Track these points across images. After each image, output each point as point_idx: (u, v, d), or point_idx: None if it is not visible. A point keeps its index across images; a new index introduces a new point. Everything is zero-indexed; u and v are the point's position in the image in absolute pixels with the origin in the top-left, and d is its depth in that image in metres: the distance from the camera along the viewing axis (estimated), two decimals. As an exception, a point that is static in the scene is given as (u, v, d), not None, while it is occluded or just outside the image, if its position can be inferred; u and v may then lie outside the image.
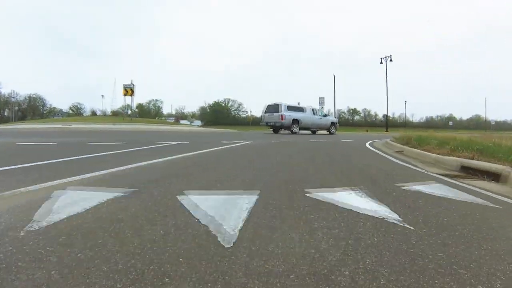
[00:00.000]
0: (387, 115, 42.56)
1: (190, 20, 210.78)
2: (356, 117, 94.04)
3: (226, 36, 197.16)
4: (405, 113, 54.81)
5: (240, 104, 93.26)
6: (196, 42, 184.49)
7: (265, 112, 19.98)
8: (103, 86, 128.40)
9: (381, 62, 38.34)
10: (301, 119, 19.80)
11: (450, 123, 79.78)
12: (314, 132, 21.37)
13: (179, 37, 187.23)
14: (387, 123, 41.25)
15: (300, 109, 20.37)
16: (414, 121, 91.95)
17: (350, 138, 15.29)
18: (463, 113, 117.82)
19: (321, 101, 39.14)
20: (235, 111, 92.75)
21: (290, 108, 19.50)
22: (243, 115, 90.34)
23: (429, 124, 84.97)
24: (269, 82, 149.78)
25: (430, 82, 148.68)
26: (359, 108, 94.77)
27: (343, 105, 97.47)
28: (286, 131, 19.92)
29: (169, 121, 66.31)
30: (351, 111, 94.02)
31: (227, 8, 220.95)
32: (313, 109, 21.54)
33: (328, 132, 22.01)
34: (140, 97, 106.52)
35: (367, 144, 10.19)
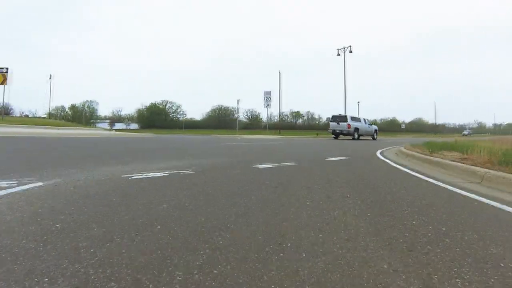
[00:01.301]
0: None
1: (128, 20, 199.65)
2: (299, 120, 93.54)
3: (167, 37, 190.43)
4: (358, 114, 53.22)
5: (178, 107, 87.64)
6: (134, 42, 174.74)
7: (331, 121, 24.48)
8: (33, 85, 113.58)
9: (338, 54, 35.03)
10: (360, 127, 24.26)
11: (403, 126, 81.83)
12: (358, 138, 24.28)
13: (117, 38, 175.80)
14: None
15: (358, 119, 24.86)
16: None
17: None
18: (404, 117, 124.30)
19: (267, 96, 35.13)
20: (173, 114, 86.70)
21: (353, 118, 24.12)
22: (182, 117, 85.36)
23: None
24: (212, 85, 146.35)
25: (373, 85, 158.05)
26: (303, 111, 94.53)
27: (286, 108, 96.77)
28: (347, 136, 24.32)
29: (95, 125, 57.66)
30: (294, 114, 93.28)
31: (169, 10, 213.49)
32: (364, 119, 25.86)
33: (372, 138, 26.20)
34: (74, 98, 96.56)
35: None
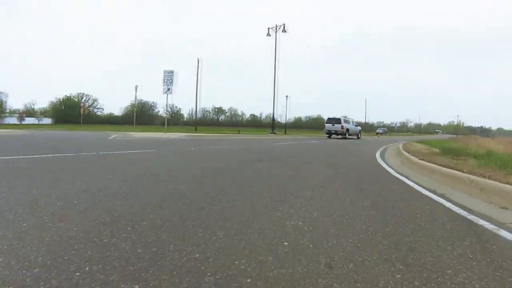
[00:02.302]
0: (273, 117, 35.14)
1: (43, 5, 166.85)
2: (222, 117, 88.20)
3: (88, 28, 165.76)
4: (286, 112, 49.23)
5: (95, 100, 75.24)
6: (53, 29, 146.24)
7: (327, 122, 28.26)
8: None
9: (269, 34, 29.99)
10: (349, 128, 28.14)
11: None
12: (344, 137, 27.28)
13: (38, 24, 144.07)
14: (274, 124, 34.09)
15: (348, 121, 28.78)
16: (282, 121, 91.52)
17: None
18: (326, 115, 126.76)
19: (168, 77, 24.10)
20: (90, 108, 73.51)
21: (345, 121, 28.00)
22: (99, 112, 75.27)
23: (297, 124, 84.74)
24: (138, 80, 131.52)
25: (301, 84, 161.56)
26: (225, 107, 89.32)
27: (209, 104, 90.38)
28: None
29: None
30: (216, 109, 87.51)
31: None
32: (352, 121, 30.20)
33: (356, 137, 29.61)
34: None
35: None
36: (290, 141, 17.22)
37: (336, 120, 27.63)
